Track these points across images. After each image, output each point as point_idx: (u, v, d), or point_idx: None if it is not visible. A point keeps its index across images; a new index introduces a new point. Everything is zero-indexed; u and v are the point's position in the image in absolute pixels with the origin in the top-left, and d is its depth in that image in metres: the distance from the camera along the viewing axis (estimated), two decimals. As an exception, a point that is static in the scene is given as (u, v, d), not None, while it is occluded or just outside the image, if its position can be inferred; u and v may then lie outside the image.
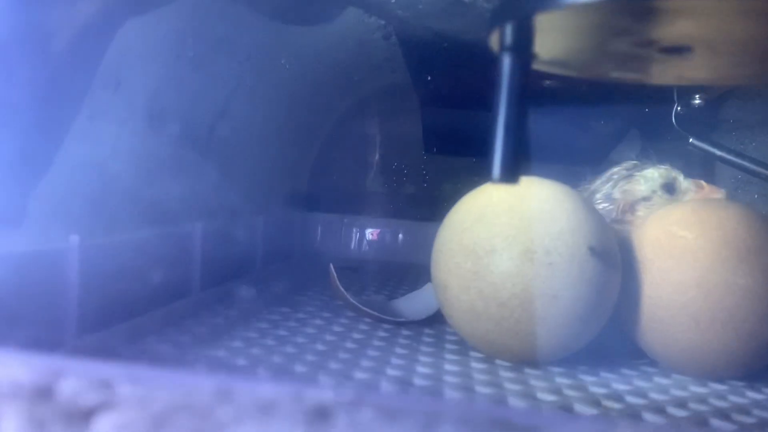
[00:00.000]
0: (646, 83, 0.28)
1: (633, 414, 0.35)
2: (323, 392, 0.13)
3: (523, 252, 0.40)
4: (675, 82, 0.30)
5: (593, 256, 0.40)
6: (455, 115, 0.70)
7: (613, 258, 0.42)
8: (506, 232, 0.41)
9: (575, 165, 0.69)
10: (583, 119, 0.66)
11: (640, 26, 0.23)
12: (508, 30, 0.25)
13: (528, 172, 0.39)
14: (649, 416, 0.35)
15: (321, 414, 0.12)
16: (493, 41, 0.25)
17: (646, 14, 0.22)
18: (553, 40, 0.25)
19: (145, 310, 0.43)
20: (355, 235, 0.90)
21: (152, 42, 0.40)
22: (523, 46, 0.25)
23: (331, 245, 0.88)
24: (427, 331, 0.51)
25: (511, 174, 0.27)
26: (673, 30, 0.23)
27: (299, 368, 0.38)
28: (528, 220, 0.41)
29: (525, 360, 0.43)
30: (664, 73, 0.27)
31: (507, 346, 0.41)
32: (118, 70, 0.38)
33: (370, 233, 0.90)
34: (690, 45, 0.23)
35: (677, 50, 0.24)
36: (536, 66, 0.27)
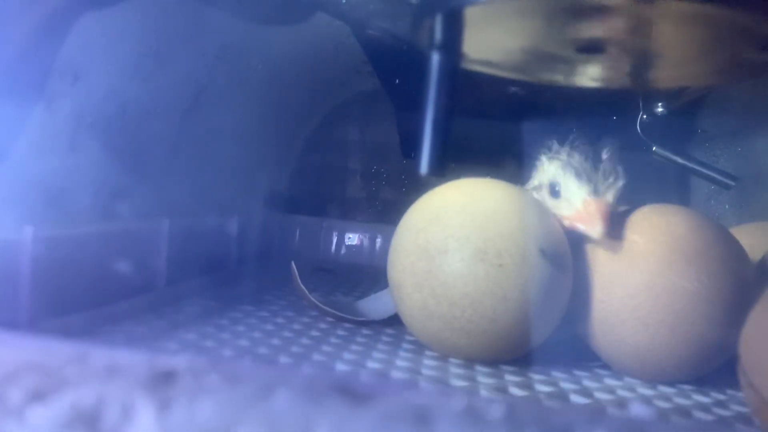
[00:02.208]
0: (572, 85, 0.28)
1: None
2: (175, 359, 0.13)
3: (475, 253, 0.40)
4: (596, 85, 0.30)
5: (544, 258, 0.41)
6: (420, 119, 0.71)
7: (564, 260, 0.43)
8: (459, 232, 0.41)
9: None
10: (552, 127, 0.67)
11: (555, 25, 0.23)
12: (435, 25, 0.25)
13: (460, 168, 0.39)
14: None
15: (166, 377, 0.12)
16: (420, 39, 0.26)
17: (558, 12, 0.23)
18: (477, 38, 0.26)
19: (103, 303, 0.44)
20: (334, 239, 0.90)
21: (113, 36, 0.41)
22: (450, 42, 0.26)
23: (310, 248, 0.89)
24: (387, 331, 0.51)
25: (438, 168, 0.27)
26: (588, 30, 0.24)
27: (248, 361, 0.39)
28: (480, 221, 0.41)
29: (476, 359, 0.43)
30: (587, 75, 0.27)
31: (458, 345, 0.42)
32: (77, 63, 0.38)
33: (350, 237, 0.90)
34: (604, 46, 0.24)
35: (592, 50, 0.24)
36: (465, 65, 0.28)
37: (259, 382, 0.12)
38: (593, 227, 0.41)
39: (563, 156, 0.44)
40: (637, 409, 0.33)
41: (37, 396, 0.12)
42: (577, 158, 0.43)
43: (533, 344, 0.43)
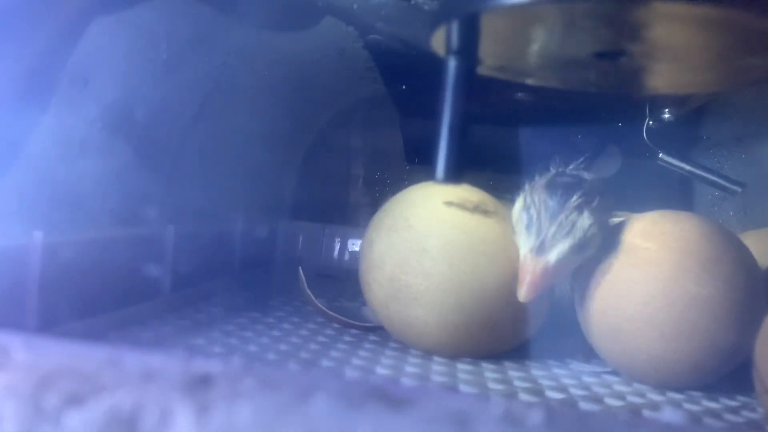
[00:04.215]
0: (587, 91, 0.28)
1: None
2: (210, 363, 0.13)
3: (392, 228, 0.45)
4: (612, 90, 0.30)
5: (450, 207, 0.44)
6: (435, 126, 0.71)
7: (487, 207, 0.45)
8: (383, 218, 0.47)
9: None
10: (558, 134, 0.67)
11: (574, 30, 0.23)
12: (452, 30, 0.25)
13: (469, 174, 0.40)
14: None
15: (203, 381, 0.12)
16: (436, 44, 0.26)
17: (579, 18, 0.23)
18: (493, 43, 0.26)
19: (109, 309, 0.43)
20: (337, 245, 0.90)
21: (122, 42, 0.41)
22: (467, 48, 0.26)
23: (313, 254, 0.88)
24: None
25: (453, 175, 0.27)
26: (608, 35, 0.24)
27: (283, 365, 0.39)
28: (402, 204, 0.47)
29: (413, 340, 0.46)
30: (603, 81, 0.27)
31: (394, 327, 0.46)
32: (87, 69, 0.38)
33: (353, 243, 0.90)
34: (624, 50, 0.24)
35: (612, 56, 0.24)
36: (481, 71, 0.27)
37: (297, 387, 0.12)
38: (519, 287, 0.40)
39: (531, 193, 0.42)
40: (670, 415, 0.33)
41: (74, 400, 0.12)
42: (538, 201, 0.41)
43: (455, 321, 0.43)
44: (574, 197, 0.41)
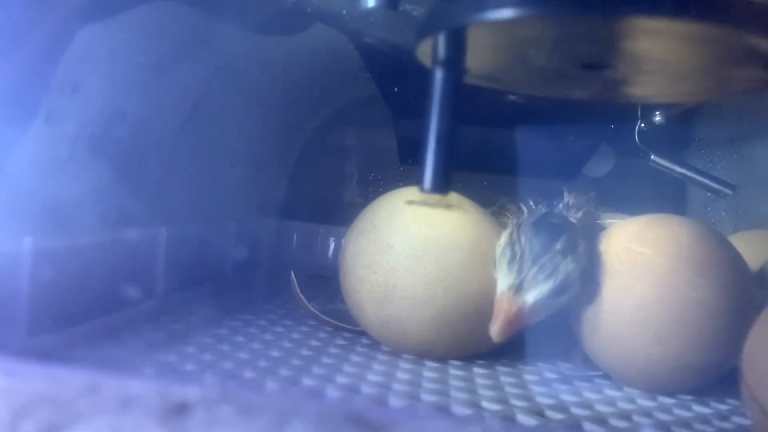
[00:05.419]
0: (578, 100, 0.29)
1: (574, 424, 0.36)
2: (187, 389, 0.13)
3: (360, 232, 0.47)
4: (599, 99, 0.30)
5: (412, 205, 0.45)
6: (423, 136, 0.71)
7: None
8: (353, 227, 0.48)
9: (547, 180, 0.70)
10: (551, 134, 0.67)
11: (562, 43, 0.23)
12: (439, 42, 0.25)
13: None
14: (589, 427, 0.35)
15: (179, 409, 0.12)
16: (422, 54, 0.26)
17: (567, 32, 0.23)
18: (480, 54, 0.26)
19: (101, 314, 0.43)
20: (331, 245, 0.90)
21: (112, 47, 0.40)
22: (453, 59, 0.26)
23: (307, 255, 0.88)
24: (387, 340, 0.51)
25: (441, 185, 0.27)
26: (594, 48, 0.24)
27: (248, 374, 0.39)
28: (369, 210, 0.48)
29: (395, 341, 0.46)
30: (591, 90, 0.27)
31: (375, 331, 0.46)
32: (75, 74, 0.38)
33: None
34: (609, 63, 0.24)
35: (598, 67, 0.24)
36: (468, 80, 0.27)
37: (274, 413, 0.12)
38: (492, 324, 0.39)
39: (518, 230, 0.41)
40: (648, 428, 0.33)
41: (50, 430, 0.12)
42: (523, 239, 0.40)
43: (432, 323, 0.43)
44: (560, 240, 0.40)
